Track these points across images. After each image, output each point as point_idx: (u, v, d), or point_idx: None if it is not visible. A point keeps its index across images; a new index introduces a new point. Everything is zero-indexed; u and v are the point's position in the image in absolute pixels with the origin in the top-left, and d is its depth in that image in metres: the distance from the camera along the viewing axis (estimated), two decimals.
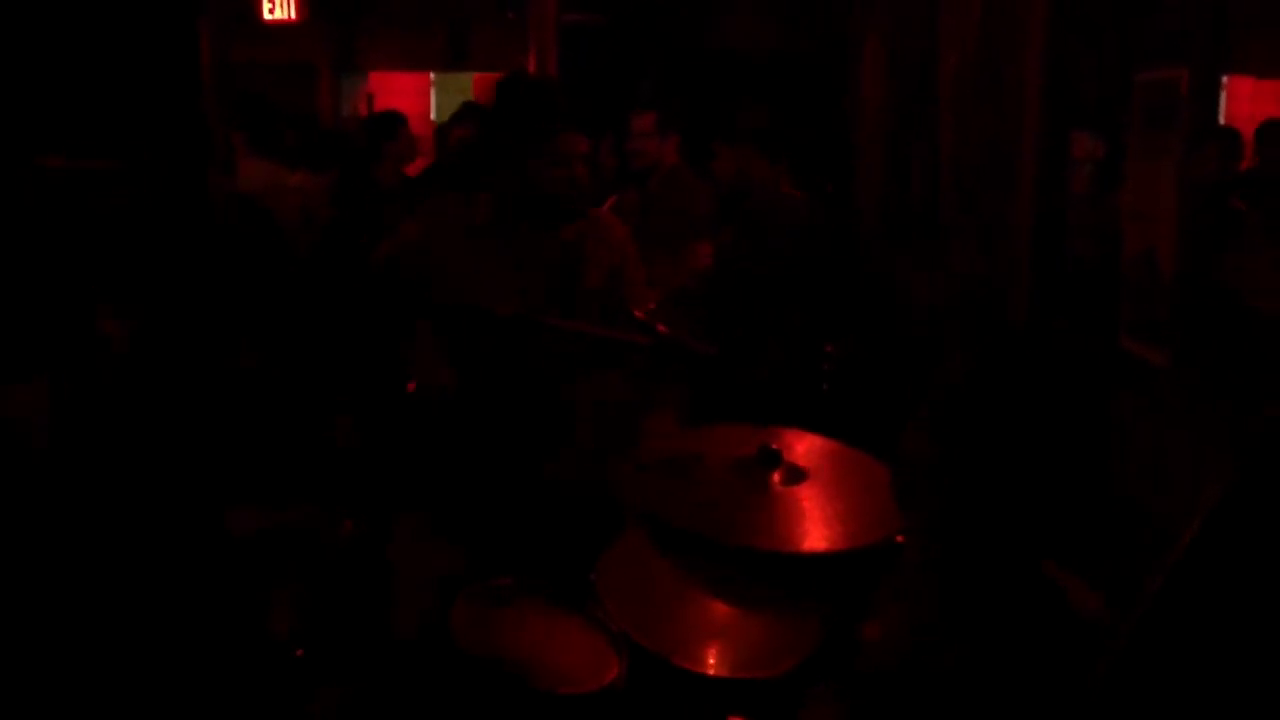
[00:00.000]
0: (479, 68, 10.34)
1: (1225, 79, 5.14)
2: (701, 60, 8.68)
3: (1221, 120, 5.51)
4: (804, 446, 2.63)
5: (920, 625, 1.63)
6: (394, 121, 5.92)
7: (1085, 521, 1.57)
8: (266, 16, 10.34)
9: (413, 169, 6.09)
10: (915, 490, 1.61)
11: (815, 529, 2.43)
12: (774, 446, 2.52)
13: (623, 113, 5.61)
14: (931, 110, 4.63)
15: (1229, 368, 2.31)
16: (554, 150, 2.89)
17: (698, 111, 5.49)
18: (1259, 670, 1.03)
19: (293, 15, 10.41)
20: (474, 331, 2.87)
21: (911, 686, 1.57)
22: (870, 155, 6.05)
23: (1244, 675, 1.05)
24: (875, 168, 5.95)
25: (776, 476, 2.50)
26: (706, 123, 4.89)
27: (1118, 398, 2.61)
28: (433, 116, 10.81)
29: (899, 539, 2.07)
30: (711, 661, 2.29)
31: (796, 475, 2.51)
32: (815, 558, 2.36)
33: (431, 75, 11.42)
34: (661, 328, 2.69)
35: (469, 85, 10.55)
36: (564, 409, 2.93)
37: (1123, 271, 2.83)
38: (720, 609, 2.46)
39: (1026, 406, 1.54)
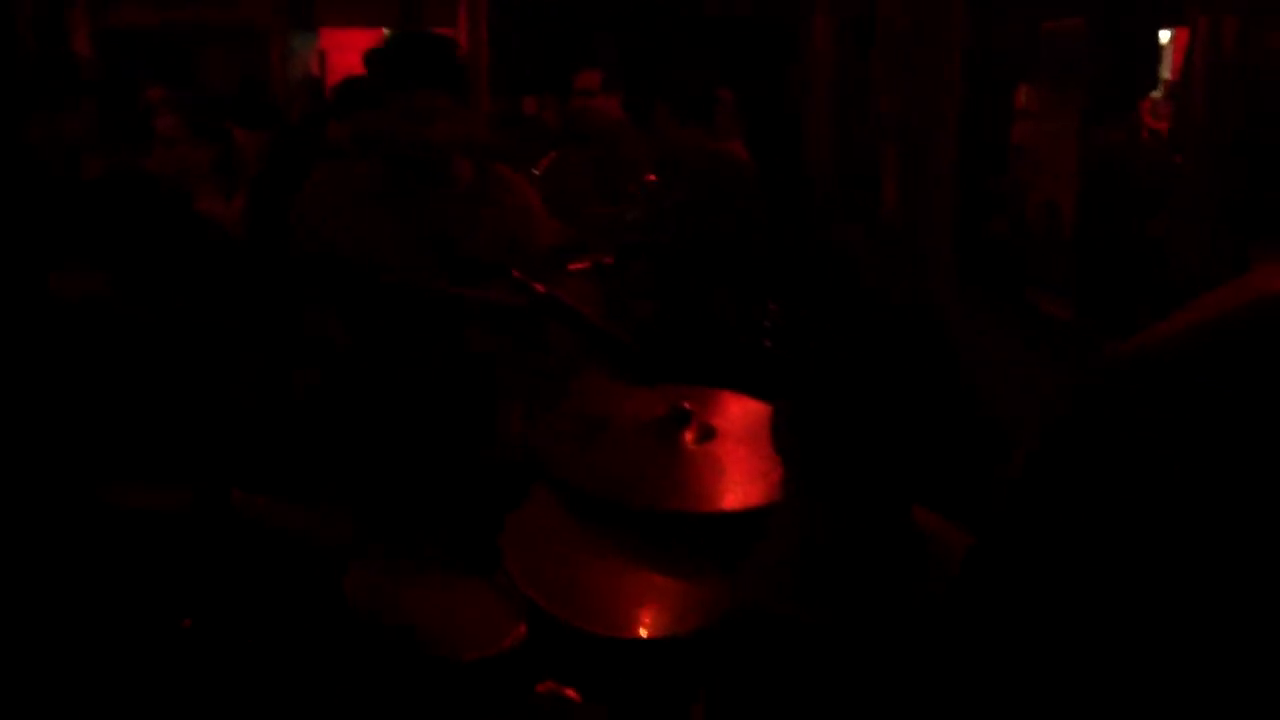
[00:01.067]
0: (432, 25, 10.25)
1: (1170, 32, 5.14)
2: (654, 19, 8.61)
3: (1169, 74, 5.50)
4: (719, 405, 2.62)
5: (793, 577, 1.63)
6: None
7: (985, 474, 1.57)
8: None
9: None
10: (784, 437, 1.61)
11: (729, 487, 2.43)
12: (686, 406, 2.51)
13: (571, 71, 5.57)
14: (873, 74, 4.61)
15: (1129, 317, 2.31)
16: (405, 108, 2.85)
17: (643, 69, 5.46)
18: (1079, 605, 1.04)
19: None
20: (359, 292, 2.85)
21: (782, 631, 1.58)
22: (819, 120, 6.04)
23: (1065, 608, 1.06)
24: (823, 132, 5.95)
25: (689, 436, 2.50)
26: (650, 81, 4.85)
27: (1025, 350, 2.61)
28: None
29: None
30: (618, 624, 2.28)
31: (708, 433, 2.51)
32: (726, 516, 2.35)
33: (385, 33, 11.31)
34: (539, 287, 2.67)
35: None
36: (467, 374, 2.91)
37: (1026, 224, 2.83)
38: (630, 571, 2.46)
39: (880, 353, 1.54)
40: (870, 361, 1.56)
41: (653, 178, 4.41)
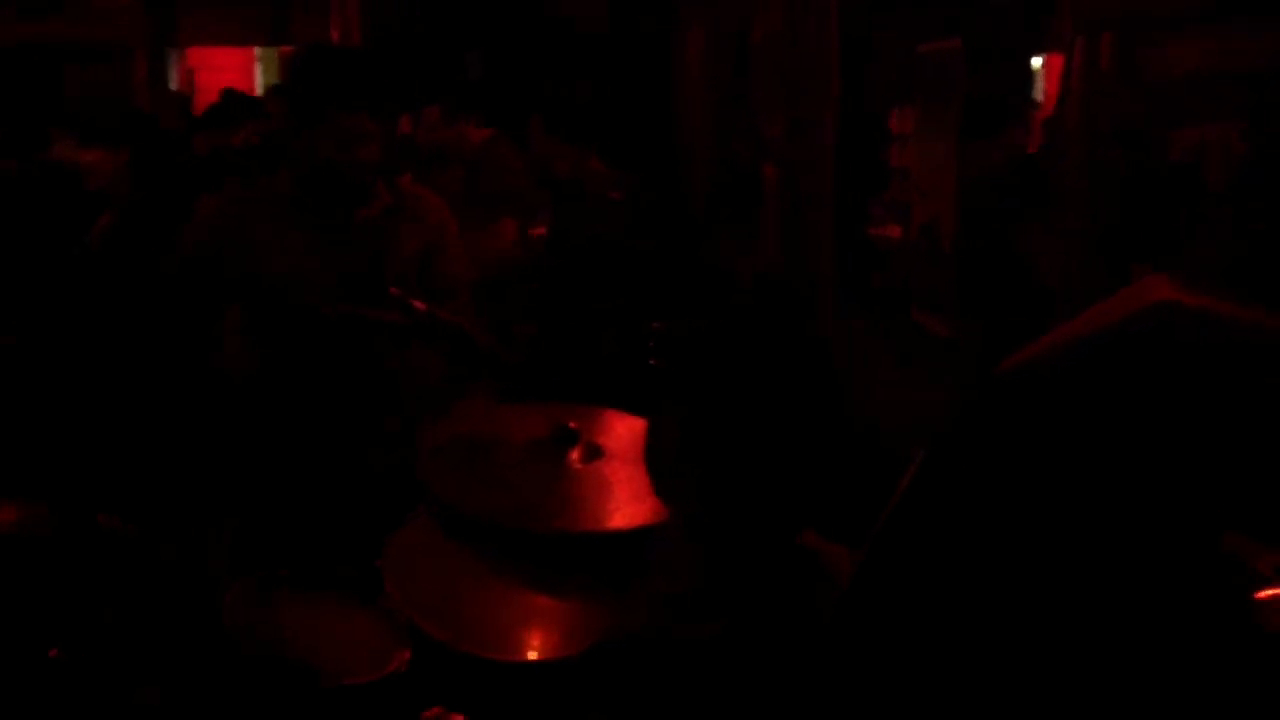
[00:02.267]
0: (301, 42, 10.10)
1: (1042, 57, 5.30)
2: (524, 35, 8.60)
3: (1039, 98, 5.68)
4: (605, 424, 2.60)
5: (680, 598, 1.61)
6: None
7: (868, 491, 1.57)
8: None
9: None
10: (668, 466, 1.60)
11: (617, 506, 2.41)
12: (572, 425, 2.49)
13: (446, 85, 5.54)
14: (747, 90, 4.66)
15: (1007, 334, 2.36)
16: (333, 129, 2.80)
17: (514, 86, 5.45)
18: (964, 618, 1.04)
19: None
20: (271, 314, 2.78)
21: (670, 659, 1.56)
22: (695, 136, 6.08)
23: (950, 622, 1.05)
24: (700, 148, 5.99)
25: (574, 455, 2.47)
26: (525, 98, 4.84)
27: (911, 367, 2.65)
28: (258, 93, 10.57)
29: None
30: (504, 646, 2.24)
31: (595, 453, 2.49)
32: (614, 535, 2.33)
33: (256, 50, 11.13)
34: (418, 304, 2.63)
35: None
36: (367, 393, 2.86)
37: (910, 243, 2.88)
38: (516, 593, 2.42)
39: (765, 376, 1.54)
40: (750, 379, 1.56)
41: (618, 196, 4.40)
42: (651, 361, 4.17)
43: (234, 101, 5.76)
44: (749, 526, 1.56)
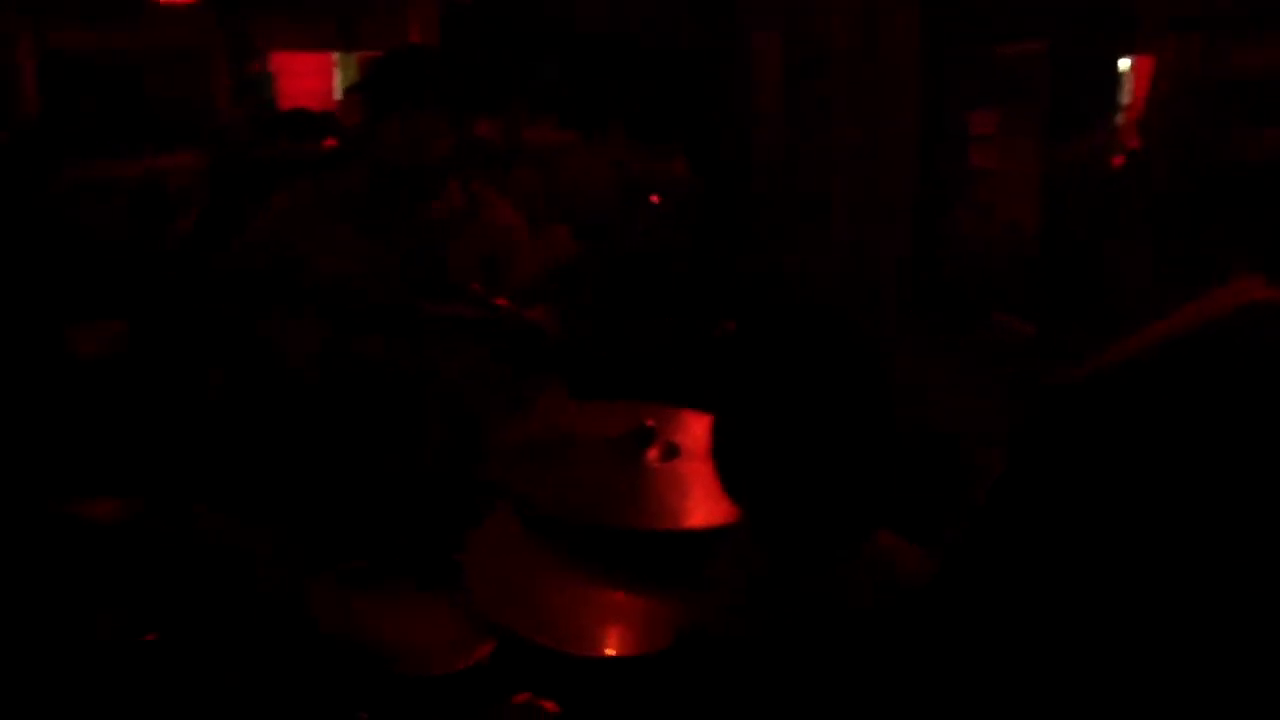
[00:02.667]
0: (370, 49, 10.22)
1: (1130, 59, 5.21)
2: (597, 43, 8.63)
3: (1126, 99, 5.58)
4: (683, 423, 2.61)
5: (749, 596, 1.62)
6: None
7: (942, 490, 1.57)
8: None
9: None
10: (732, 465, 1.61)
11: (693, 505, 2.42)
12: (649, 424, 2.50)
13: (522, 88, 5.57)
14: (824, 95, 4.65)
15: (1091, 335, 2.33)
16: (404, 128, 2.83)
17: (591, 90, 5.47)
18: (1047, 617, 1.04)
19: None
20: (334, 309, 2.82)
21: (739, 658, 1.57)
22: (767, 141, 6.07)
23: (1033, 621, 1.05)
24: (774, 152, 5.97)
25: (652, 454, 2.48)
26: (600, 101, 4.86)
27: (991, 372, 2.63)
28: (337, 96, 10.74)
29: None
30: (578, 641, 2.26)
31: (672, 451, 2.49)
32: (690, 534, 2.34)
33: (335, 55, 11.29)
34: (500, 301, 2.65)
35: None
36: (430, 389, 2.89)
37: (992, 245, 2.86)
38: (593, 589, 2.43)
39: (829, 377, 1.54)
40: (814, 379, 1.56)
41: (656, 200, 4.41)
42: (720, 361, 4.17)
43: (303, 118, 5.88)
44: (815, 525, 1.57)
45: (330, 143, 5.17)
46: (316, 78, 10.77)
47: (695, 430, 2.59)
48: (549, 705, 2.05)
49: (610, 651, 2.24)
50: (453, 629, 2.20)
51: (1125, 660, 1.04)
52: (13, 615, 2.03)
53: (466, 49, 7.84)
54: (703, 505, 2.38)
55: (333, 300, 2.82)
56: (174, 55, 9.86)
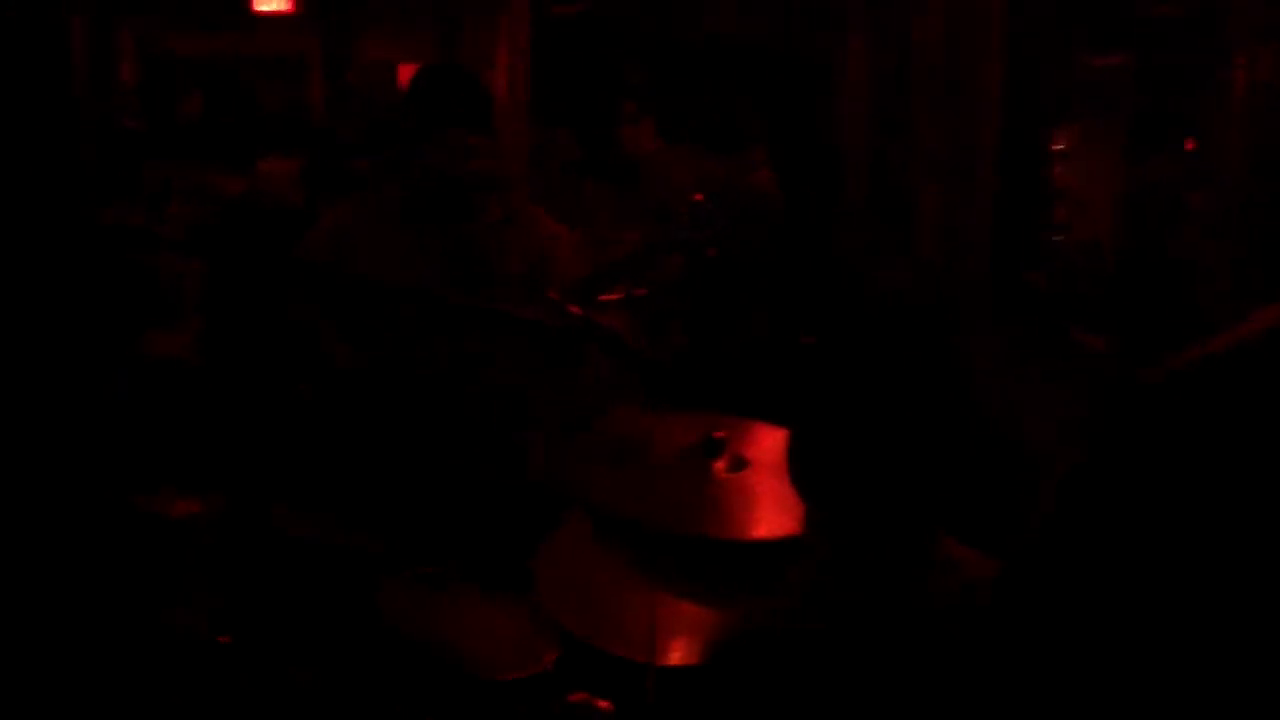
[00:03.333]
0: (472, 58, 10.33)
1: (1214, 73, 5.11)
2: (686, 51, 8.64)
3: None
4: (752, 435, 2.62)
5: (816, 602, 1.63)
6: None
7: (1010, 500, 1.57)
8: (260, 7, 10.35)
9: None
10: (806, 473, 1.62)
11: (760, 516, 2.42)
12: (718, 434, 2.51)
13: (605, 102, 5.60)
14: (908, 108, 4.63)
15: (1167, 351, 2.30)
16: (444, 144, 2.90)
17: (675, 99, 5.48)
18: (1107, 642, 1.04)
19: (286, 5, 10.42)
20: (383, 314, 2.90)
21: (805, 662, 1.58)
22: (853, 152, 6.05)
23: (1092, 647, 1.05)
24: (859, 164, 5.95)
25: (720, 465, 2.50)
26: (682, 110, 4.87)
27: (1070, 388, 2.60)
28: None
29: None
30: (648, 649, 2.28)
31: (740, 463, 2.51)
32: (757, 545, 2.35)
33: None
34: (574, 308, 2.68)
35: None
36: (498, 395, 2.94)
37: (1070, 259, 2.83)
38: (661, 597, 2.45)
39: (901, 389, 1.55)
40: (885, 388, 1.57)
41: (699, 197, 4.41)
42: (801, 371, 4.16)
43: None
44: (884, 532, 1.58)
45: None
46: None
47: (764, 443, 2.60)
48: (603, 704, 2.07)
49: (675, 659, 2.25)
50: (522, 635, 2.23)
51: (1190, 664, 1.03)
52: (93, 610, 2.10)
53: (556, 62, 7.93)
54: (769, 517, 2.38)
55: (389, 304, 2.90)
56: (275, 64, 10.08)
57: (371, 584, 2.15)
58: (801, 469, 1.64)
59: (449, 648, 2.17)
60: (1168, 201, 2.84)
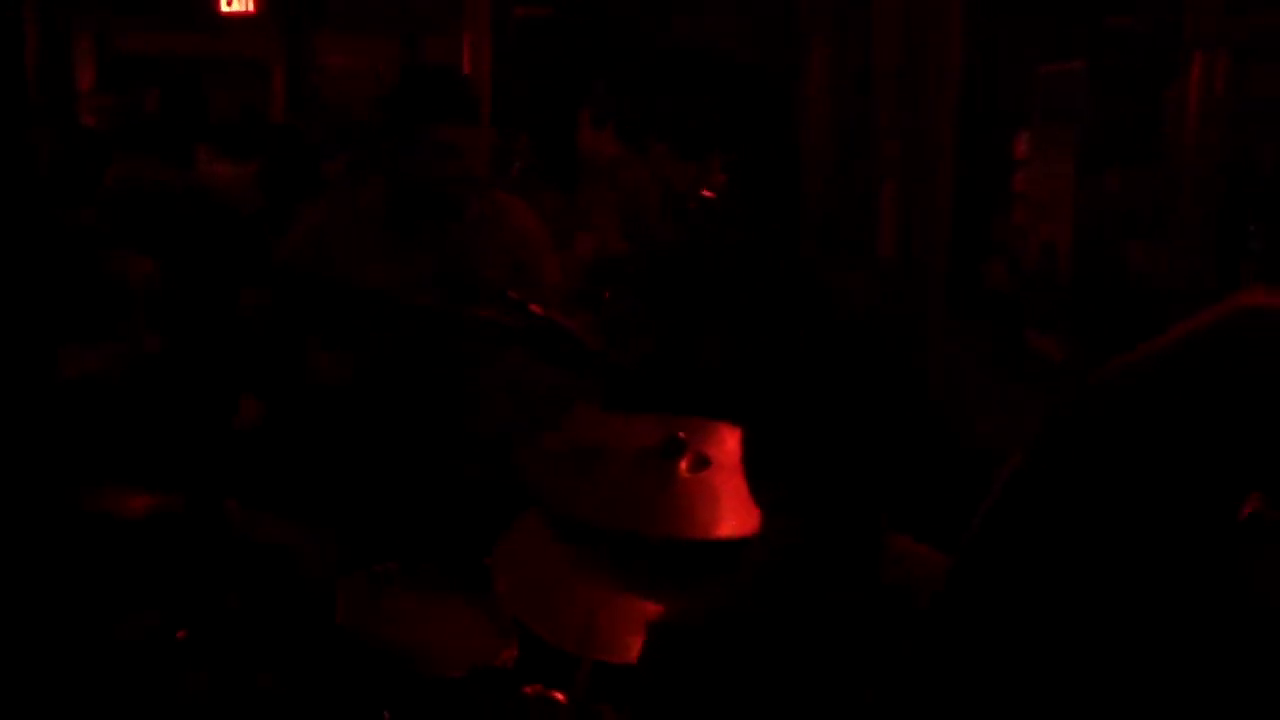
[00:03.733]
0: (434, 59, 10.31)
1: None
2: (652, 58, 8.65)
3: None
4: (712, 435, 2.63)
5: (771, 598, 1.64)
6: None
7: (962, 498, 1.58)
8: (225, 9, 10.29)
9: None
10: (759, 473, 1.64)
11: (723, 515, 2.44)
12: (681, 435, 2.52)
13: (564, 107, 5.60)
14: (870, 112, 4.66)
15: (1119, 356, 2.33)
16: (432, 141, 2.88)
17: (638, 106, 5.48)
18: (1043, 642, 1.05)
19: (250, 8, 10.37)
20: (362, 317, 2.88)
21: (762, 658, 1.59)
22: (814, 159, 6.08)
23: (1029, 647, 1.06)
24: (819, 167, 5.98)
25: (683, 465, 2.50)
26: (646, 117, 4.87)
27: (1021, 389, 2.63)
28: None
29: None
30: (605, 647, 2.28)
31: (702, 463, 2.52)
32: (718, 544, 2.36)
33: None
34: (536, 308, 2.68)
35: None
36: (462, 396, 2.93)
37: (1023, 265, 2.86)
38: (620, 596, 2.46)
39: (855, 389, 1.57)
40: (841, 392, 1.60)
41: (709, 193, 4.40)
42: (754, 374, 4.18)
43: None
44: (838, 530, 1.60)
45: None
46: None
47: (727, 442, 2.61)
48: (559, 696, 2.07)
49: (634, 658, 2.25)
50: (480, 632, 2.23)
51: (1134, 659, 1.05)
52: (42, 610, 2.08)
53: (519, 65, 7.93)
54: (732, 516, 2.40)
55: (366, 308, 2.87)
56: (235, 64, 10.02)
57: (327, 582, 2.15)
58: (755, 466, 1.65)
59: (406, 646, 2.16)
60: (1122, 208, 2.88)
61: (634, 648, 2.29)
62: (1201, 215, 2.47)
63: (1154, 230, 2.77)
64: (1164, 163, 2.89)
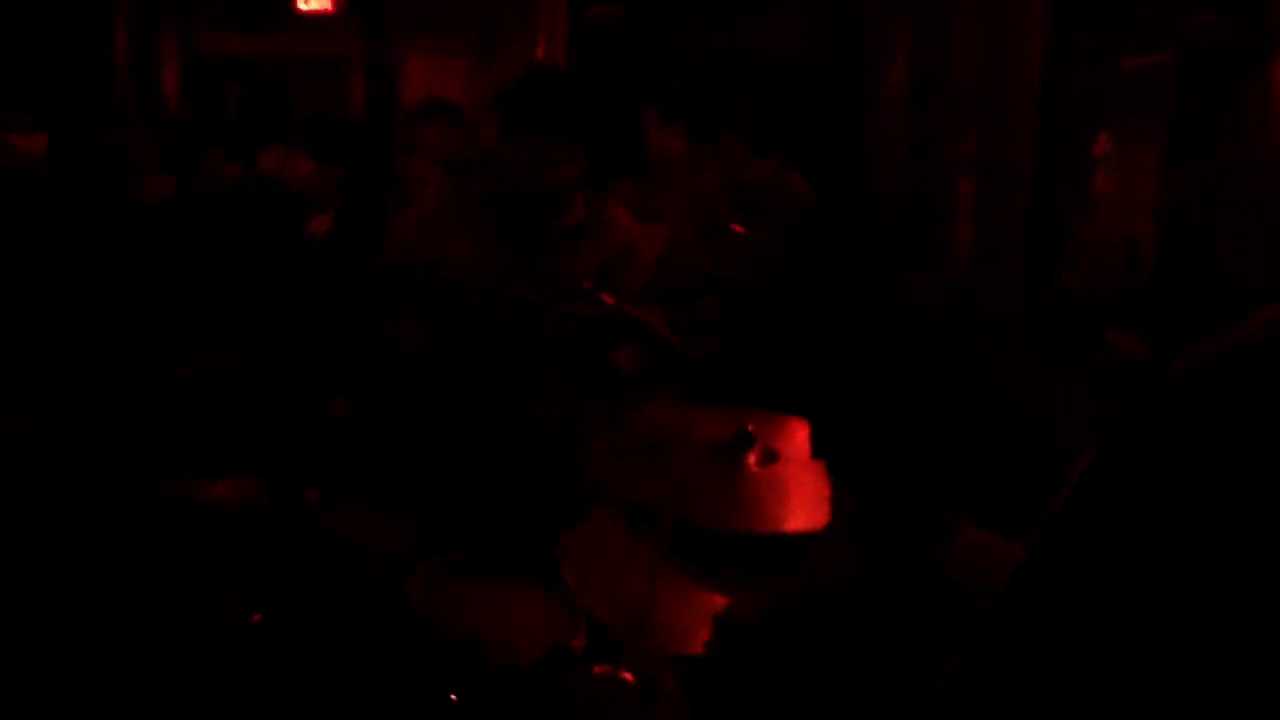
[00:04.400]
0: (504, 62, 10.38)
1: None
2: (721, 56, 8.65)
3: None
4: (781, 429, 2.62)
5: (838, 592, 1.64)
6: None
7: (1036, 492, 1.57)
8: (303, 7, 10.42)
9: None
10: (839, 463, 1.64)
11: (791, 510, 2.43)
12: (750, 429, 2.52)
13: (634, 105, 5.62)
14: (949, 121, 4.63)
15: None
16: (528, 149, 2.89)
17: (707, 103, 5.48)
18: (1115, 638, 1.03)
19: (328, 6, 10.49)
20: (450, 310, 2.90)
21: (826, 650, 1.59)
22: (889, 164, 6.05)
23: (1100, 645, 1.05)
24: (895, 169, 5.95)
25: (752, 458, 2.50)
26: (718, 112, 4.87)
27: (1103, 390, 2.59)
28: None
29: None
30: (671, 637, 2.28)
31: (771, 457, 2.51)
32: (787, 537, 2.35)
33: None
34: (608, 299, 2.69)
35: None
36: (539, 387, 2.94)
37: (1105, 262, 2.81)
38: (688, 588, 2.46)
39: (922, 385, 1.58)
40: (907, 388, 1.61)
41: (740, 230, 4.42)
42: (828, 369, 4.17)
43: (434, 103, 5.99)
44: (906, 515, 1.60)
45: (454, 146, 5.27)
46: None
47: (795, 437, 2.60)
48: (628, 676, 2.08)
49: (700, 649, 2.25)
50: (549, 622, 2.24)
51: (1196, 660, 1.03)
52: (126, 593, 2.12)
53: (596, 64, 7.96)
54: (800, 510, 2.39)
55: (455, 300, 2.90)
56: (314, 64, 10.16)
57: (401, 571, 2.16)
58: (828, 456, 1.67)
59: (476, 635, 2.17)
60: (1207, 205, 2.82)
61: (699, 638, 2.30)
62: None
63: (1240, 224, 2.71)
64: (1250, 155, 2.83)
